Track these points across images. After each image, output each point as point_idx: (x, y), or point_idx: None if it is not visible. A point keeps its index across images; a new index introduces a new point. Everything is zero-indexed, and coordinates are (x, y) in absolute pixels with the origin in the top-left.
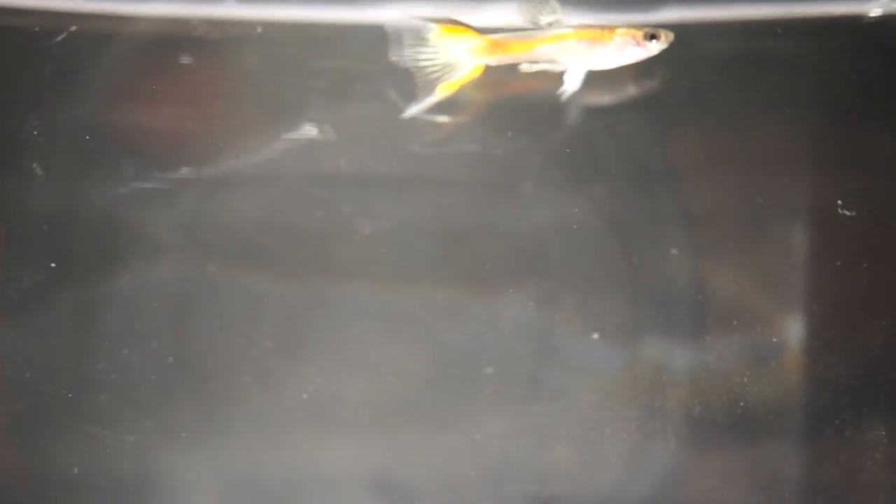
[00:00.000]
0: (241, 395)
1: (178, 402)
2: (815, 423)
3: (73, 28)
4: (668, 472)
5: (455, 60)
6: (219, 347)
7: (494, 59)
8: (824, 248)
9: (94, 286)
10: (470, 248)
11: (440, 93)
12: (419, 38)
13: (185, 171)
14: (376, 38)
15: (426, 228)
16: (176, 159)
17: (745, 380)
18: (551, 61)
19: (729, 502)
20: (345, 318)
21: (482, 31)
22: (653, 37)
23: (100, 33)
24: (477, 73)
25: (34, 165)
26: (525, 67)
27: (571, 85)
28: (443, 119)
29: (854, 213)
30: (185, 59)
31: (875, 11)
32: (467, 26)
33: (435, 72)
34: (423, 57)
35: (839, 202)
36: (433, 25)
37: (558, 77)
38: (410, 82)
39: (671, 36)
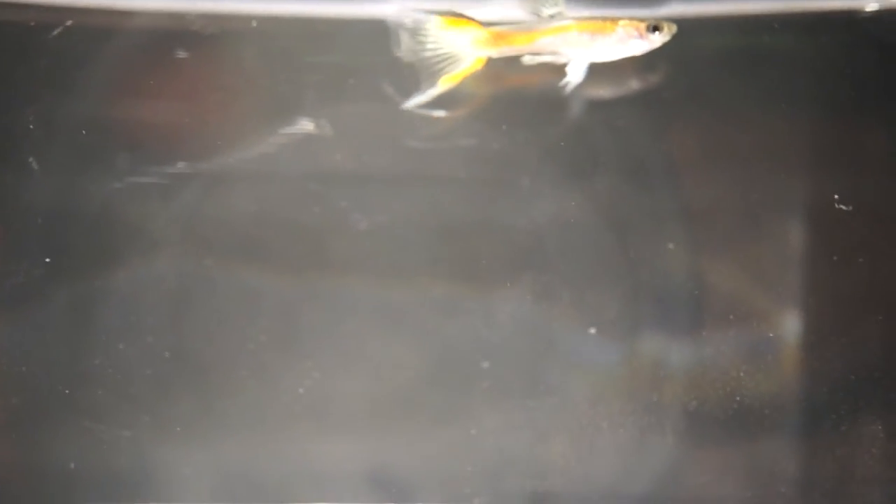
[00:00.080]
0: (237, 390)
1: (175, 397)
2: (812, 418)
3: (69, 23)
4: (665, 467)
5: (457, 52)
6: (215, 342)
7: (496, 52)
8: (821, 243)
9: (91, 281)
10: (467, 242)
11: (442, 85)
12: (421, 29)
13: (181, 165)
14: (374, 33)
15: (423, 223)
16: (172, 154)
17: (742, 374)
18: (554, 53)
19: (725, 497)
20: (341, 313)
21: (484, 23)
22: (655, 28)
23: (96, 28)
24: (479, 66)
25: (30, 160)
26: (527, 59)
27: (574, 77)
28: (440, 114)
29: (851, 208)
30: (182, 54)
31: (871, 6)
32: (470, 18)
33: (437, 64)
34: (425, 49)
35: (836, 197)
36: (435, 17)
37: (560, 70)
38: (409, 76)
39: (674, 28)
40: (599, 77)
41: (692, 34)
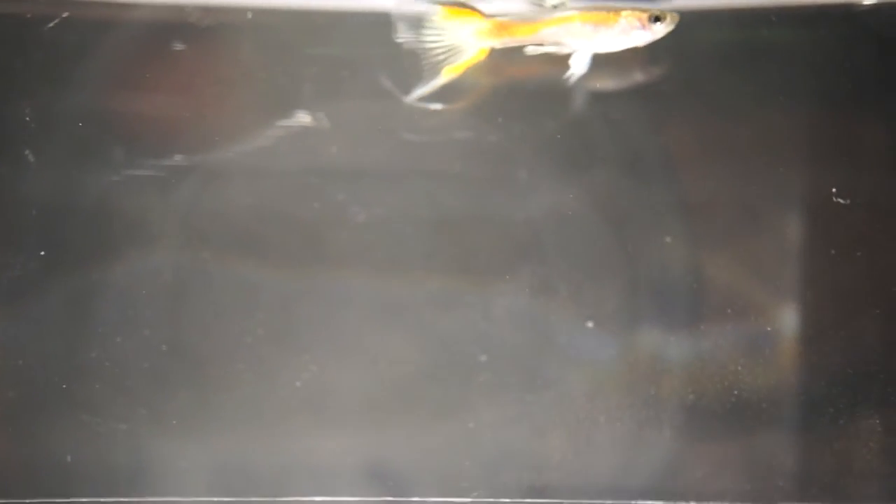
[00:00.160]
0: (234, 383)
1: (172, 390)
2: (810, 412)
3: (65, 14)
4: (663, 461)
5: (460, 43)
6: (212, 335)
7: (499, 42)
8: (819, 237)
9: (88, 274)
10: (464, 236)
11: (445, 75)
12: (423, 20)
13: (178, 158)
14: (371, 26)
15: (421, 216)
16: (169, 147)
17: (740, 368)
18: (557, 44)
19: (723, 490)
20: (338, 307)
21: (487, 14)
22: (657, 19)
23: (92, 20)
24: (482, 57)
25: (26, 153)
26: (530, 51)
27: (578, 68)
28: (437, 106)
29: (848, 202)
30: (179, 46)
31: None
32: (472, 9)
33: (439, 54)
34: (427, 39)
35: (834, 190)
36: (437, 7)
37: (562, 61)
38: (407, 68)
39: (677, 17)
40: (597, 70)
41: (690, 27)
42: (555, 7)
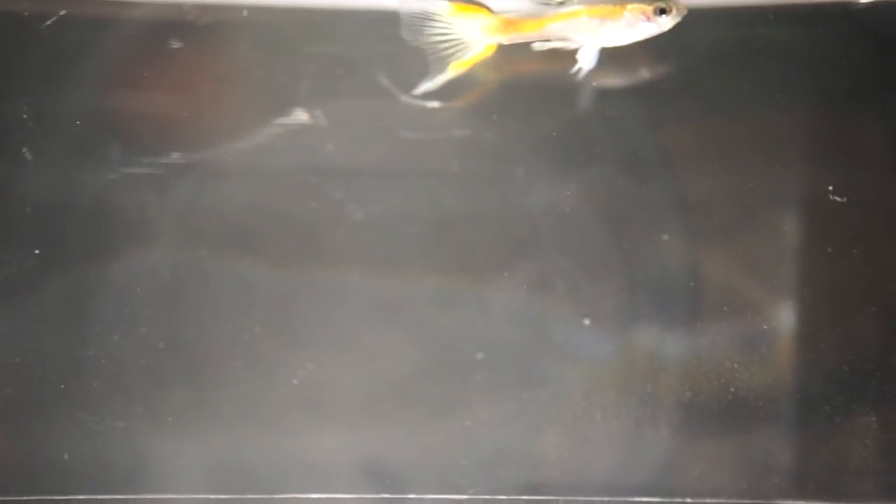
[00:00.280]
0: (231, 381)
1: (169, 388)
2: (806, 410)
3: (63, 12)
4: (659, 458)
5: (467, 39)
6: (210, 333)
7: (506, 38)
8: (815, 235)
9: (85, 272)
10: (461, 233)
11: (452, 71)
12: (431, 16)
13: (175, 156)
14: (370, 24)
15: (418, 214)
16: (167, 145)
17: (736, 366)
18: (563, 39)
19: (719, 488)
20: (336, 305)
21: (494, 9)
22: (663, 11)
23: (90, 18)
24: (490, 52)
25: (24, 150)
26: (537, 46)
27: (585, 63)
28: (435, 104)
29: (845, 200)
30: (176, 44)
31: None
32: (480, 5)
33: (447, 50)
34: (434, 35)
35: (830, 188)
36: (445, 3)
37: (563, 58)
38: (408, 65)
39: (684, 10)
40: (595, 68)
41: (687, 25)
42: (561, 2)
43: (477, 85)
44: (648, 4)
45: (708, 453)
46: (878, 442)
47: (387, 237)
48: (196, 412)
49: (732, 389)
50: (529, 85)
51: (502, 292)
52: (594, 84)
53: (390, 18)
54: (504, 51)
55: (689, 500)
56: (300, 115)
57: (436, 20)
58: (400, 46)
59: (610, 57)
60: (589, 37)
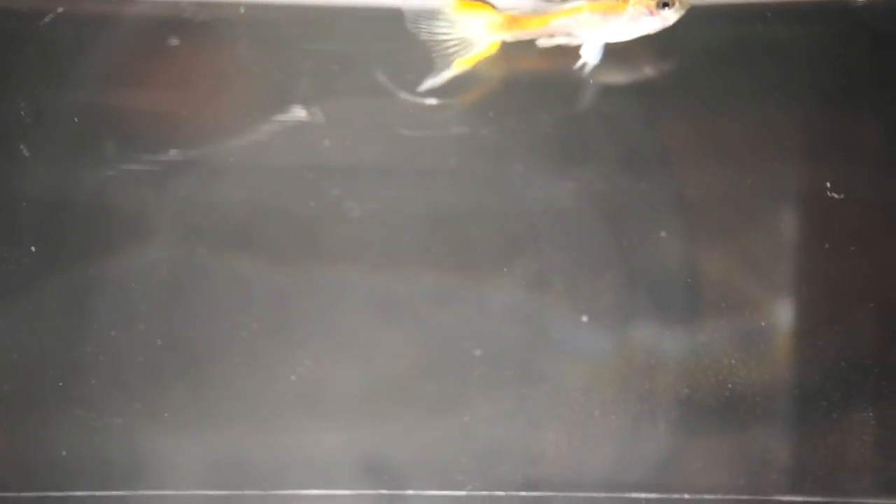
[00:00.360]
0: (229, 378)
1: (167, 385)
2: (804, 406)
3: (60, 10)
4: (657, 455)
5: (471, 36)
6: (207, 330)
7: (511, 35)
8: (813, 232)
9: (83, 268)
10: (459, 230)
11: (456, 68)
12: (435, 13)
13: (173, 153)
14: (367, 21)
15: (416, 211)
16: (164, 142)
17: (734, 362)
18: (567, 35)
19: (717, 484)
20: (334, 301)
21: (498, 7)
22: (665, 5)
23: (87, 15)
24: (494, 49)
25: (22, 147)
26: (542, 43)
27: (589, 58)
28: (433, 102)
29: (842, 196)
30: (174, 42)
31: None
32: (484, 2)
33: (451, 47)
34: (439, 32)
35: (828, 185)
36: (449, 0)
37: (563, 56)
38: (406, 62)
39: (687, 3)
40: (592, 64)
41: (685, 23)
42: None
43: (475, 82)
44: None
45: (706, 449)
46: (876, 438)
47: (385, 234)
48: (194, 409)
49: (730, 386)
50: (528, 82)
51: (500, 289)
52: (592, 81)
53: (388, 15)
54: (505, 48)
55: (686, 496)
56: (298, 113)
57: (440, 18)
58: (398, 43)
59: (608, 54)
60: (592, 32)
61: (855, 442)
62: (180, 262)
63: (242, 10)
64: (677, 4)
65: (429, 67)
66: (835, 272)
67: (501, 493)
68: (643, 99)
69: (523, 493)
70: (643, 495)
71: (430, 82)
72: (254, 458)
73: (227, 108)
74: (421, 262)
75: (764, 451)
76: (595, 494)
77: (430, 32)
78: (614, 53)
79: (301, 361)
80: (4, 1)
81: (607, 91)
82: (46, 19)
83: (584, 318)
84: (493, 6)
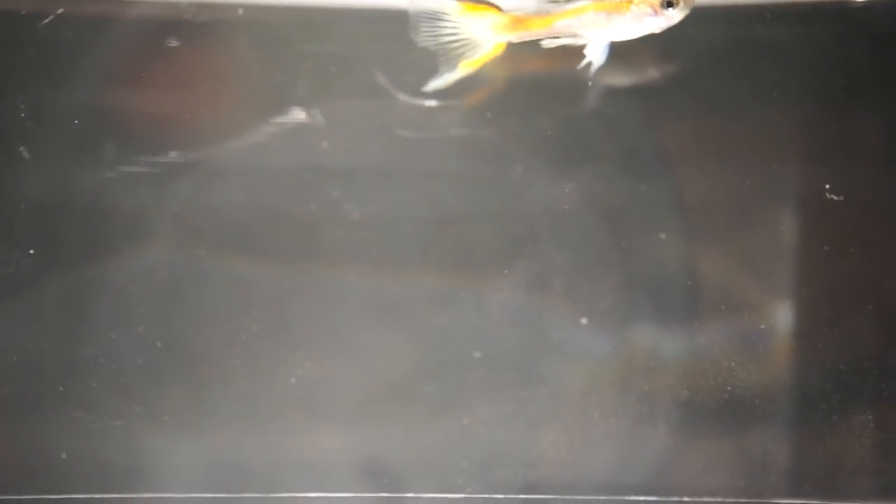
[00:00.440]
0: (229, 380)
1: (167, 387)
2: (803, 408)
3: (60, 11)
4: (657, 457)
5: (476, 38)
6: (207, 332)
7: (515, 36)
8: (812, 233)
9: (83, 270)
10: (459, 232)
11: (462, 70)
12: (440, 15)
13: (173, 155)
14: (367, 23)
15: (415, 213)
16: (164, 144)
17: (734, 365)
18: (572, 35)
19: (716, 486)
20: (333, 303)
21: (503, 8)
22: (669, 4)
23: (87, 16)
24: (499, 51)
25: (22, 149)
26: (546, 43)
27: (594, 58)
28: (431, 103)
29: (842, 198)
30: (174, 43)
31: None
32: (489, 3)
33: (456, 49)
34: (444, 34)
35: (827, 187)
36: (454, 3)
37: (563, 57)
38: (405, 64)
39: (691, 1)
40: (592, 66)
41: (684, 24)
42: None
43: (477, 83)
44: None
45: (705, 452)
46: (875, 441)
47: (384, 236)
48: (194, 411)
49: (730, 388)
50: (527, 83)
51: (500, 291)
52: (591, 83)
53: (387, 17)
54: (507, 49)
55: (686, 499)
56: (297, 114)
57: (445, 20)
58: (397, 45)
59: (607, 55)
60: (596, 32)
61: (854, 444)
62: (180, 264)
63: (241, 12)
64: (681, 4)
65: (428, 69)
66: (834, 274)
67: (501, 496)
68: (642, 100)
69: (523, 496)
70: (643, 498)
71: (436, 84)
72: (253, 461)
73: (227, 110)
74: (420, 263)
75: (763, 454)
76: (594, 497)
77: (435, 34)
78: (613, 55)
79: (300, 363)
80: (4, 2)
81: (606, 92)
82: (46, 20)
83: (584, 321)
84: (498, 8)
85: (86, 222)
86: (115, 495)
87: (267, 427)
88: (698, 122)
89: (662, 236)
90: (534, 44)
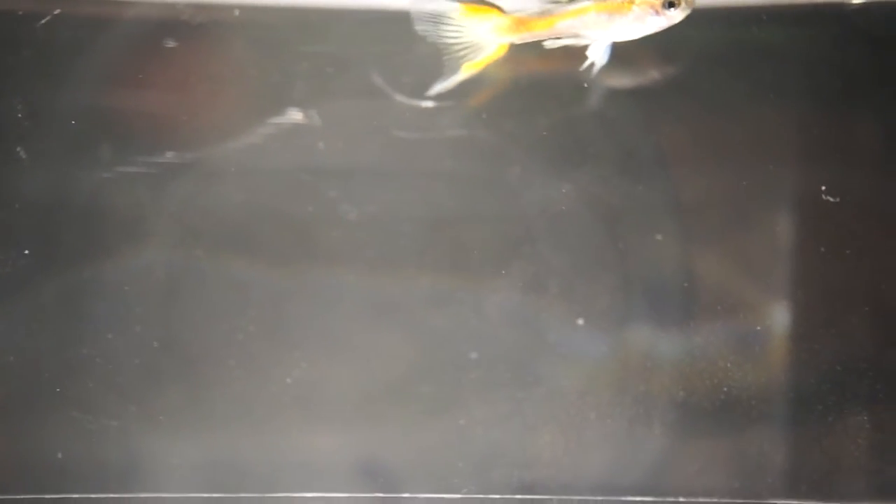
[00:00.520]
0: (225, 380)
1: (163, 387)
2: (799, 409)
3: (57, 11)
4: (653, 458)
5: (479, 39)
6: (204, 332)
7: (518, 38)
8: (809, 235)
9: (80, 271)
10: (456, 233)
11: (465, 72)
12: (442, 17)
13: (170, 155)
14: (364, 24)
15: (412, 214)
16: (161, 144)
17: (729, 365)
18: (574, 36)
19: (712, 487)
20: (330, 304)
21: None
22: (671, 4)
23: (85, 17)
24: (502, 52)
25: (18, 150)
26: (549, 44)
27: (597, 58)
28: (428, 104)
29: (838, 200)
30: (171, 43)
31: None
32: (491, 5)
33: (459, 51)
34: (446, 36)
35: (823, 188)
36: (457, 4)
37: (564, 58)
38: (403, 65)
39: (692, 1)
40: (594, 68)
41: (680, 25)
42: (570, 0)
43: (475, 84)
44: None
45: (701, 453)
46: (871, 441)
47: (381, 237)
48: (190, 411)
49: (726, 389)
50: (524, 84)
51: (497, 292)
52: (588, 84)
53: (385, 18)
54: (508, 50)
55: (682, 500)
56: (294, 115)
57: (447, 22)
58: (395, 46)
59: (609, 56)
60: (599, 32)
61: (850, 445)
62: (176, 265)
63: (238, 13)
64: (683, 3)
65: (426, 70)
66: (830, 276)
67: (497, 497)
68: (639, 102)
69: (519, 497)
70: (639, 498)
71: (439, 86)
72: (250, 461)
73: (224, 111)
74: (417, 264)
75: (759, 455)
76: (591, 497)
77: (437, 36)
78: (610, 56)
79: (297, 364)
80: (1, 3)
81: (604, 94)
82: (43, 21)
83: (581, 321)
84: (500, 9)
85: (82, 223)
86: (111, 495)
87: (263, 427)
88: (695, 123)
89: (659, 237)
90: (534, 45)
